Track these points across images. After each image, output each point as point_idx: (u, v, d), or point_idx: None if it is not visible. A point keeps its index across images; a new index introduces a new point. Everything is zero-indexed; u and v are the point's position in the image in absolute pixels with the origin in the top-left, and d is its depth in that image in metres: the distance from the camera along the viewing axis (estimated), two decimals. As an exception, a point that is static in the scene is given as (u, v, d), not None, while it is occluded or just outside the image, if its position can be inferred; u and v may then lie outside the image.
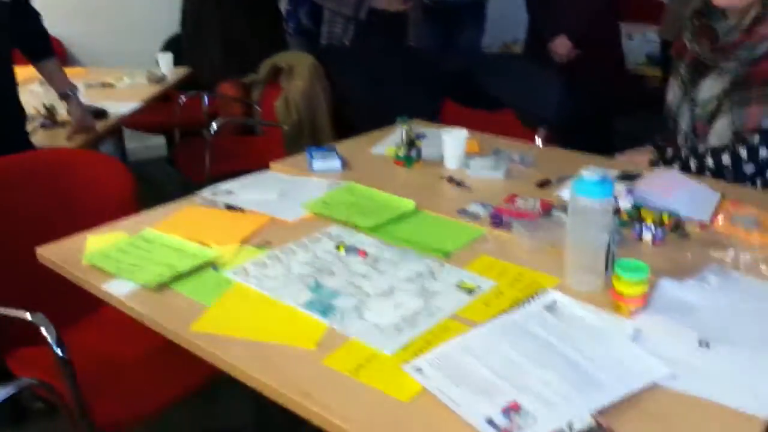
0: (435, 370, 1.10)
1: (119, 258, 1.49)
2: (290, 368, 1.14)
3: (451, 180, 1.94)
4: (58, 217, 1.88)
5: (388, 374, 1.11)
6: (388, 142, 2.24)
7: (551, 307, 1.26)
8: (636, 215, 1.57)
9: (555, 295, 1.29)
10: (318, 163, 2.02)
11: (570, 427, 0.97)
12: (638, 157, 2.26)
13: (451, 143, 2.02)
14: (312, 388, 1.09)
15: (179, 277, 1.42)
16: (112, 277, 1.43)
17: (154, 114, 3.91)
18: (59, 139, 2.48)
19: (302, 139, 3.05)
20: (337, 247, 1.53)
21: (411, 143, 2.05)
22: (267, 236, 1.61)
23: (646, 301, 1.27)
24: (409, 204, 1.74)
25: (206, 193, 1.86)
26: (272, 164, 2.09)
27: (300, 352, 1.18)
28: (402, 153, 2.05)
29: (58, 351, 1.46)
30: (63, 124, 2.56)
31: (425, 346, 1.17)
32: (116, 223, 1.69)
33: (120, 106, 2.85)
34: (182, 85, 3.62)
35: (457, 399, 1.03)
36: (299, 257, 1.50)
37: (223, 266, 1.47)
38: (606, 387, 1.05)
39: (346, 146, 2.24)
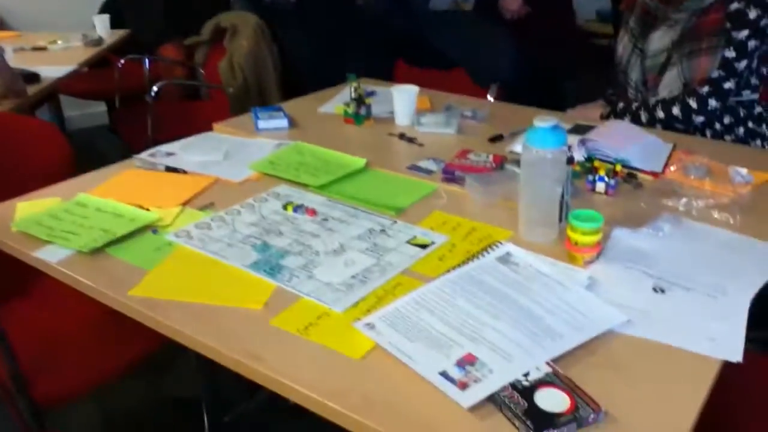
0: (387, 326, 1.06)
1: (52, 224, 1.41)
2: (237, 330, 1.08)
3: (402, 137, 1.89)
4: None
5: (339, 332, 1.07)
6: (337, 101, 2.18)
7: (505, 259, 1.23)
8: (589, 167, 1.55)
9: (509, 247, 1.26)
10: (264, 123, 1.95)
11: (526, 376, 0.94)
12: (589, 112, 2.25)
13: (402, 99, 1.96)
14: (261, 350, 1.04)
15: (116, 241, 1.34)
16: (45, 244, 1.34)
17: (93, 80, 3.75)
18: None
19: (249, 102, 2.95)
20: (285, 207, 1.47)
21: (360, 100, 1.99)
22: (211, 198, 1.54)
23: (600, 251, 1.25)
24: (359, 162, 1.68)
25: (145, 155, 1.77)
26: (216, 125, 2.00)
27: (247, 313, 1.13)
28: (351, 110, 1.99)
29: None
30: (-8, 89, 2.41)
31: (377, 303, 1.13)
32: (48, 189, 1.60)
33: (53, 70, 2.71)
34: (122, 49, 3.47)
35: (411, 353, 1.00)
36: (245, 218, 1.44)
37: (163, 229, 1.40)
38: (562, 336, 1.02)
39: (293, 105, 2.17)
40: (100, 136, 4.06)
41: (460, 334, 1.03)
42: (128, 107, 3.32)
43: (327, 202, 1.50)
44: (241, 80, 2.94)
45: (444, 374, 0.95)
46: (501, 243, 1.29)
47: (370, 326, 1.06)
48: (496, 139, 1.85)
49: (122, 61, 3.34)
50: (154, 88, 2.87)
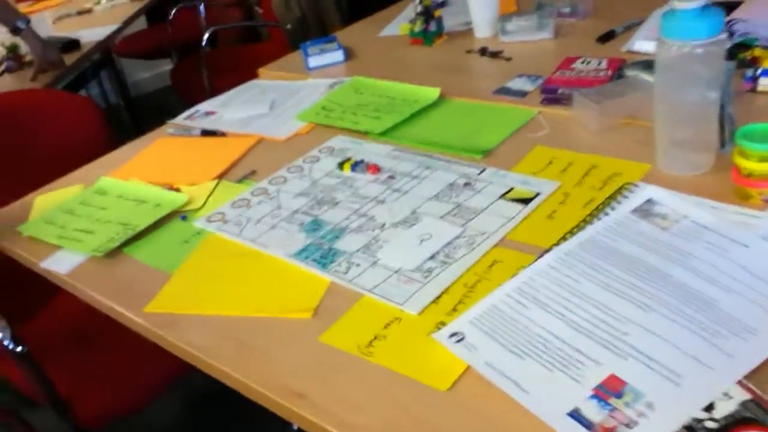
0: (483, 335, 0.73)
1: (65, 222, 1.16)
2: (276, 355, 0.79)
3: (484, 52, 1.50)
4: (12, 171, 1.56)
5: (415, 348, 0.75)
6: (401, 20, 1.80)
7: (646, 210, 0.85)
8: (744, 58, 1.12)
9: (650, 191, 0.88)
10: (315, 59, 1.61)
11: (710, 410, 0.59)
12: (724, -15, 1.75)
13: (480, 4, 1.56)
14: (305, 383, 0.74)
15: (137, 236, 1.07)
16: (56, 250, 1.10)
17: (151, 37, 3.53)
18: (28, 82, 2.13)
19: (310, 37, 2.61)
20: (341, 166, 1.15)
21: (428, 14, 1.60)
22: (253, 164, 1.24)
23: (785, 181, 0.85)
24: (432, 93, 1.32)
25: (181, 119, 1.49)
26: (261, 70, 1.69)
27: (291, 326, 0.83)
28: (418, 28, 1.61)
29: (11, 346, 1.16)
30: (31, 63, 2.20)
31: (467, 297, 0.80)
32: (72, 175, 1.36)
33: (95, 32, 2.46)
34: (174, -2, 3.20)
35: (521, 380, 0.67)
36: (292, 187, 1.13)
37: (195, 214, 1.12)
38: (756, 332, 0.66)
39: (348, 34, 1.81)
40: (167, 98, 3.86)
41: (594, 342, 0.68)
42: (183, 61, 3.06)
43: (393, 153, 1.16)
44: (298, 13, 2.59)
45: (576, 414, 0.62)
46: (636, 185, 0.92)
47: (459, 337, 0.74)
48: (608, 37, 1.43)
49: (173, 11, 3.07)
50: (205, 36, 2.58)
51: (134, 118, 3.11)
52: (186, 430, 1.89)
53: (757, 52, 1.10)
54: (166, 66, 4.13)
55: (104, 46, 2.45)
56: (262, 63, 1.74)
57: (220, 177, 1.22)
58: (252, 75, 1.78)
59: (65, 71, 2.18)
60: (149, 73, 4.14)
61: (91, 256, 1.05)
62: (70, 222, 1.15)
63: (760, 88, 1.10)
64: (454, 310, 0.79)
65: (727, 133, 0.91)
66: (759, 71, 1.10)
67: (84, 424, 1.24)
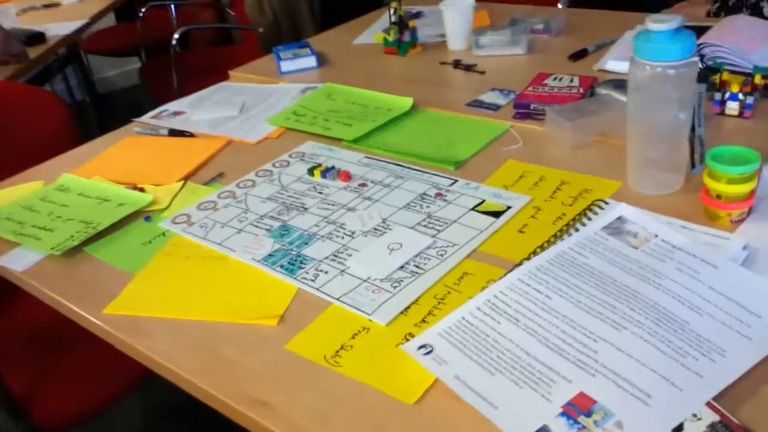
0: (452, 347, 0.72)
1: (23, 219, 1.12)
2: (239, 361, 0.77)
3: (458, 64, 1.50)
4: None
5: (383, 359, 0.74)
6: (375, 28, 1.80)
7: (617, 228, 0.86)
8: (713, 80, 1.14)
9: (621, 209, 0.89)
10: (287, 64, 1.59)
11: (680, 431, 0.59)
12: (693, 9, 1.79)
13: (454, 18, 1.57)
14: (269, 392, 0.72)
15: (98, 236, 1.04)
16: (12, 246, 1.06)
17: (120, 34, 3.47)
18: (-11, 74, 2.07)
19: (282, 41, 2.59)
20: (311, 171, 1.13)
21: (403, 24, 1.60)
22: (221, 167, 1.22)
23: (751, 203, 0.87)
24: (405, 102, 1.32)
25: (147, 117, 1.46)
26: (232, 72, 1.66)
27: (256, 332, 0.81)
28: (392, 38, 1.61)
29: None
30: (-8, 55, 2.14)
31: (436, 309, 0.79)
32: (31, 170, 1.31)
33: (62, 26, 2.41)
34: (145, -4, 3.15)
35: (489, 395, 0.66)
36: (261, 191, 1.11)
37: (159, 214, 1.09)
38: (724, 353, 0.66)
39: (322, 40, 1.80)
40: (138, 96, 3.79)
41: (564, 358, 0.68)
42: (153, 60, 3.01)
43: (365, 160, 1.15)
44: (271, 17, 2.58)
45: (544, 431, 0.61)
46: (606, 202, 0.92)
47: (428, 349, 0.73)
48: (580, 55, 1.45)
49: (143, 9, 3.02)
50: (176, 36, 2.54)
51: (100, 115, 3.05)
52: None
53: (725, 76, 1.12)
54: (133, 64, 4.07)
55: (71, 41, 2.39)
56: (233, 65, 1.72)
57: (187, 178, 1.19)
58: (223, 77, 1.75)
59: (29, 64, 2.12)
60: (116, 71, 4.06)
61: (50, 254, 1.02)
62: (29, 218, 1.11)
63: (727, 111, 1.12)
64: (424, 321, 0.78)
65: (698, 154, 0.93)
66: (727, 95, 1.12)
67: (39, 428, 1.19)
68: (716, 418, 0.60)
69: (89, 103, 2.96)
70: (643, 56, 0.88)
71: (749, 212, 0.87)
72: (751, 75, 1.11)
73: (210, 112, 1.44)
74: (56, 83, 3.30)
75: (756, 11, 1.61)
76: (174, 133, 1.37)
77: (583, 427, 0.61)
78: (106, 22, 3.37)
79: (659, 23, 0.85)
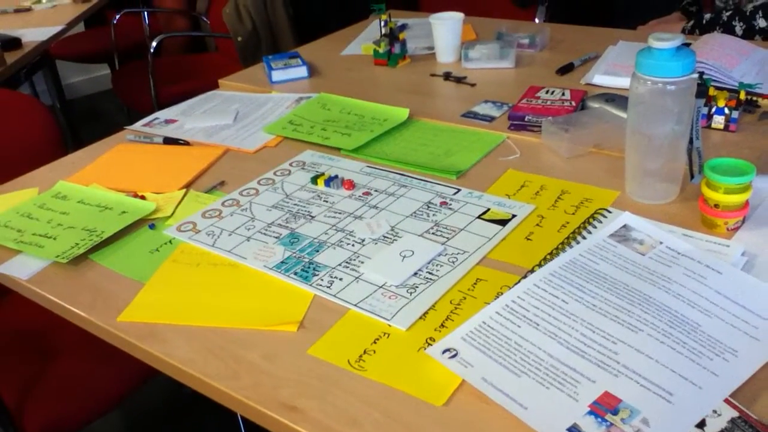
0: (476, 350, 0.74)
1: (22, 226, 1.10)
2: (262, 366, 0.78)
3: (448, 76, 1.54)
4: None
5: (407, 363, 0.76)
6: (363, 39, 1.82)
7: (623, 235, 0.89)
8: (703, 95, 1.19)
9: (625, 217, 0.92)
10: (279, 73, 1.61)
11: (702, 427, 0.62)
12: (668, 27, 1.86)
13: (444, 31, 1.60)
14: (297, 397, 0.73)
15: (103, 244, 1.04)
16: (14, 254, 1.05)
17: (92, 40, 3.42)
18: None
19: (260, 50, 2.60)
20: (314, 180, 1.15)
21: (393, 36, 1.63)
22: (221, 175, 1.22)
23: (746, 212, 0.91)
24: (401, 113, 1.34)
25: (139, 125, 1.45)
26: (222, 81, 1.67)
27: (277, 338, 0.82)
28: (382, 49, 1.63)
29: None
30: (-33, 60, 2.10)
31: (454, 314, 0.82)
32: (23, 177, 1.30)
33: (38, 32, 2.37)
34: (118, 3, 3.12)
35: (518, 395, 0.68)
36: (265, 199, 1.12)
37: (163, 222, 1.09)
38: (736, 353, 0.70)
39: (311, 50, 1.82)
40: (106, 103, 3.74)
41: (587, 360, 0.71)
42: (127, 67, 2.98)
43: (366, 170, 1.17)
44: (249, 26, 2.58)
45: (575, 430, 0.64)
46: (609, 210, 0.96)
47: (452, 353, 0.75)
48: (566, 69, 1.49)
49: (117, 16, 2.99)
50: (153, 43, 2.52)
51: (69, 121, 3.00)
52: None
53: (711, 91, 1.18)
54: (101, 71, 4.02)
55: (46, 47, 2.36)
56: (208, 73, 1.73)
57: (188, 186, 1.19)
58: (199, 84, 1.76)
59: (4, 70, 2.08)
60: (83, 77, 4.00)
61: (54, 262, 1.01)
62: (29, 226, 1.10)
63: (714, 125, 1.18)
64: (443, 326, 0.80)
65: (696, 165, 0.97)
66: (713, 109, 1.17)
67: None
68: (735, 413, 0.63)
69: (59, 109, 2.91)
70: (645, 72, 0.92)
71: (744, 221, 0.92)
72: (736, 91, 1.17)
73: (204, 120, 1.44)
74: (23, 89, 3.23)
75: (728, 29, 1.68)
76: (169, 141, 1.36)
77: (612, 424, 0.64)
78: (75, 28, 3.32)
79: (662, 41, 0.89)
